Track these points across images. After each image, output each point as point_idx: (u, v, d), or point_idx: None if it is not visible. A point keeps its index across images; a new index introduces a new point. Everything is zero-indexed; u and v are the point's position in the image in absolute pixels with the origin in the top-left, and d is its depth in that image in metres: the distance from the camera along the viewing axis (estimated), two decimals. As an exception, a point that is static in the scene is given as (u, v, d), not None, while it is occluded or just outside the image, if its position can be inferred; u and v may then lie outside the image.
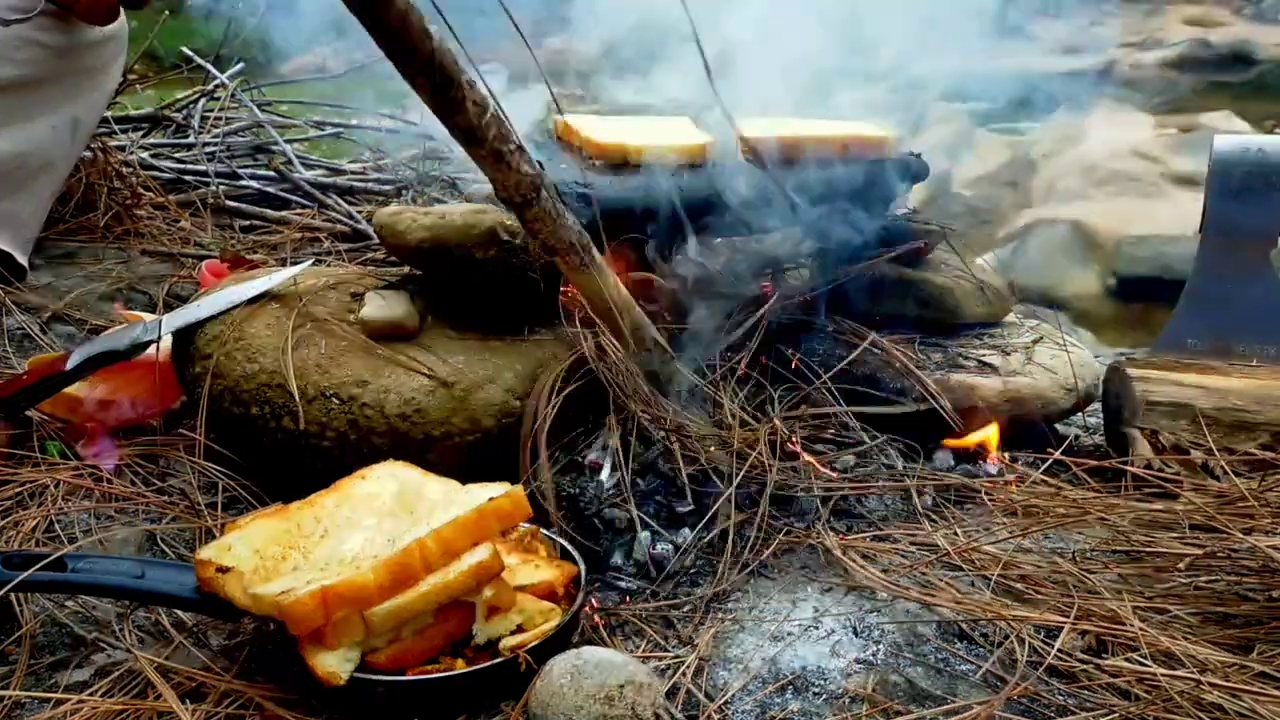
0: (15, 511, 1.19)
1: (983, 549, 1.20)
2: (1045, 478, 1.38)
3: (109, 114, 2.69)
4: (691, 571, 1.18)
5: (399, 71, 0.97)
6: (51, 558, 0.97)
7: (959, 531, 1.26)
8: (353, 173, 2.81)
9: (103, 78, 1.88)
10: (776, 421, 1.33)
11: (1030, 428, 1.48)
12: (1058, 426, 1.57)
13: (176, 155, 2.75)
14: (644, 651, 1.05)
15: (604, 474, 1.23)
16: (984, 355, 1.51)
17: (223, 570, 0.96)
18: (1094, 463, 1.40)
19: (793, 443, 1.33)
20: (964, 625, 1.07)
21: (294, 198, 2.55)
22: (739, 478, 1.23)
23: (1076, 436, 1.63)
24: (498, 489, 1.00)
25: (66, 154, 1.86)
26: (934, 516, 1.30)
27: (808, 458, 1.33)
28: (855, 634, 1.06)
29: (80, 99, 1.83)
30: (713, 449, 1.27)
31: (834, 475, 1.32)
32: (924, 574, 1.16)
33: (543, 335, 1.35)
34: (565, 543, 1.11)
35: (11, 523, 1.17)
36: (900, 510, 1.32)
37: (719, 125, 1.58)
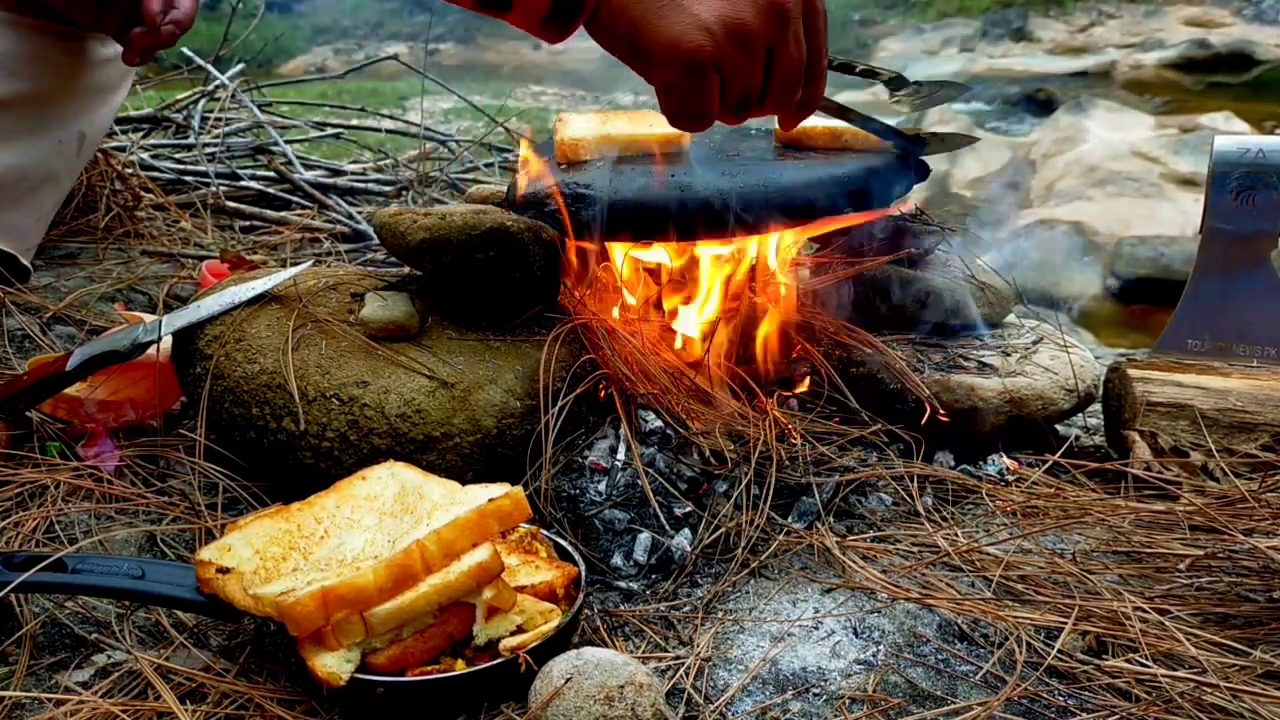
0: (15, 512, 1.19)
1: (983, 550, 1.20)
2: (1046, 478, 1.38)
3: (109, 115, 2.69)
4: (691, 572, 1.18)
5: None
6: (52, 559, 0.97)
7: (959, 532, 1.26)
8: (353, 173, 2.82)
9: (111, 94, 1.85)
10: (775, 413, 1.33)
11: (1031, 428, 1.48)
12: (1058, 427, 1.57)
13: (177, 156, 2.75)
14: (644, 652, 1.05)
15: (619, 454, 1.23)
16: (984, 356, 1.51)
17: (223, 571, 0.96)
18: (1093, 465, 1.40)
19: (790, 429, 1.33)
20: (964, 626, 1.07)
21: (294, 198, 2.55)
22: (751, 463, 1.23)
23: (1077, 437, 1.63)
24: (498, 489, 1.00)
25: (71, 167, 1.84)
26: (935, 517, 1.30)
27: (801, 433, 1.33)
28: (856, 635, 1.06)
29: (88, 115, 1.80)
30: (718, 436, 1.27)
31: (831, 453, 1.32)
32: (924, 575, 1.16)
33: (544, 335, 1.35)
34: (565, 543, 1.11)
35: (12, 523, 1.17)
36: (901, 511, 1.32)
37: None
